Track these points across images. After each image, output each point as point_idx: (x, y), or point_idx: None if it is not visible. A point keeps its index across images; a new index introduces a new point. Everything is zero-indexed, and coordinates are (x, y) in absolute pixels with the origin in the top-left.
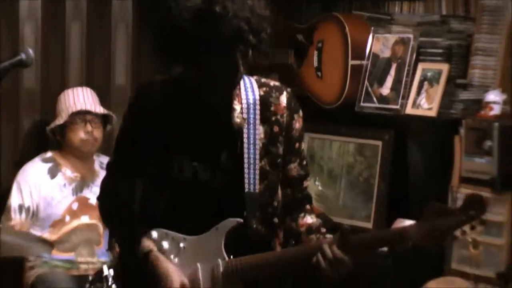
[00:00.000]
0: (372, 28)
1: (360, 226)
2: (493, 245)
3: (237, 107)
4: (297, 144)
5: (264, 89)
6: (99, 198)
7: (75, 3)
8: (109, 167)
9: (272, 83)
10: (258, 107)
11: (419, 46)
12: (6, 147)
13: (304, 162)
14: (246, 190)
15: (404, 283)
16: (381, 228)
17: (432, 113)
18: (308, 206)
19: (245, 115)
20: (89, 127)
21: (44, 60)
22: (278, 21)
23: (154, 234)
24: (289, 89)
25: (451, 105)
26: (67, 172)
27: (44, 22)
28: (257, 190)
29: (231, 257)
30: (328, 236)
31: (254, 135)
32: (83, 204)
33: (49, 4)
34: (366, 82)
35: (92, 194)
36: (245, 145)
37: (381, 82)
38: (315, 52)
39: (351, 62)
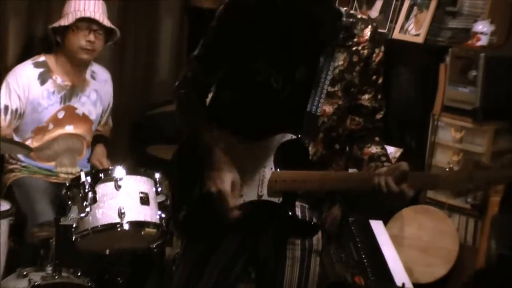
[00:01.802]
0: None
1: None
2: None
3: (323, 27)
4: (374, 77)
5: (351, 20)
6: (178, 88)
7: None
8: (190, 61)
9: (360, 15)
10: (341, 34)
11: None
12: None
13: (379, 96)
14: (308, 109)
15: (380, 209)
16: None
17: (419, 39)
18: (377, 138)
19: (328, 37)
20: (92, 37)
21: None
22: None
23: (215, 131)
24: (375, 24)
25: (439, 33)
26: (58, 79)
27: None
28: (319, 112)
29: (278, 169)
30: (386, 165)
31: (331, 59)
32: (70, 113)
33: None
34: (355, 3)
35: (80, 104)
36: (319, 67)
37: (370, 4)
38: None
39: None
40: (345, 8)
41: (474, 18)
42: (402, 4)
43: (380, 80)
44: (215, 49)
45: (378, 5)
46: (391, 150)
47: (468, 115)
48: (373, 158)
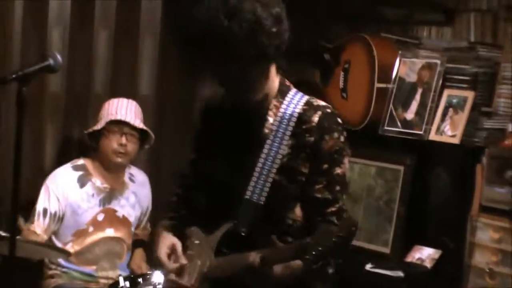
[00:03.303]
0: (400, 51)
1: (377, 250)
2: (510, 276)
3: (270, 118)
4: (325, 165)
5: (306, 107)
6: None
7: (104, 10)
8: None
9: (316, 102)
10: (292, 122)
11: (446, 72)
12: (30, 151)
13: (336, 187)
14: (247, 197)
15: None
16: (399, 253)
17: (456, 140)
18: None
19: (274, 127)
20: (123, 139)
21: (70, 65)
22: (305, 39)
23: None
24: (328, 110)
25: (475, 133)
26: (97, 182)
27: (72, 27)
28: (261, 201)
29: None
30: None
31: (277, 148)
32: (110, 216)
33: (77, 10)
34: (391, 105)
35: (120, 206)
36: (263, 155)
37: (405, 107)
38: (341, 73)
39: (377, 85)
40: (308, 97)
41: (510, 118)
42: (437, 106)
43: (336, 170)
44: (193, 152)
45: (413, 107)
46: (429, 251)
47: (506, 216)
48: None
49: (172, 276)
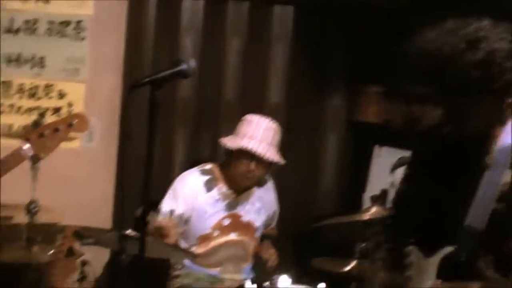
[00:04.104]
0: None
1: None
2: None
3: (492, 147)
4: None
5: None
6: None
7: (236, 19)
8: None
9: None
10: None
11: None
12: (160, 154)
13: None
14: (466, 223)
15: None
16: None
17: None
18: None
19: (496, 156)
20: (252, 165)
21: (201, 71)
22: None
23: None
24: None
25: None
26: (223, 188)
27: (204, 34)
28: (481, 229)
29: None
30: None
31: (498, 176)
32: (234, 220)
33: (210, 18)
34: None
35: (245, 211)
36: (484, 183)
37: None
38: None
39: None
40: None
41: None
42: None
43: None
44: None
45: None
46: None
47: None
48: None
49: None
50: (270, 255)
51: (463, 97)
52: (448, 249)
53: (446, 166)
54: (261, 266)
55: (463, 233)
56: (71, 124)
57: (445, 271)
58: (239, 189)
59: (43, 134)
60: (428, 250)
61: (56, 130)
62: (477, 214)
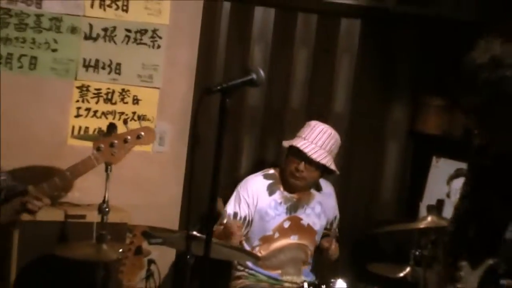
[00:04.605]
0: None
1: None
2: None
3: None
4: None
5: None
6: None
7: (305, 31)
8: None
9: None
10: None
11: None
12: (227, 160)
13: None
14: (507, 237)
15: None
16: None
17: None
18: None
19: None
20: (301, 166)
21: (269, 81)
22: None
23: None
24: None
25: None
26: (285, 191)
27: (274, 45)
28: None
29: None
30: None
31: None
32: (295, 223)
33: (280, 28)
34: None
35: (305, 215)
36: None
37: None
38: None
39: None
40: None
41: None
42: None
43: None
44: None
45: None
46: None
47: None
48: None
49: None
50: (331, 243)
51: None
52: (492, 262)
53: (502, 181)
54: (320, 269)
55: (505, 246)
56: (139, 136)
57: (487, 284)
58: (293, 191)
59: (113, 144)
60: (472, 262)
61: (125, 141)
62: None
